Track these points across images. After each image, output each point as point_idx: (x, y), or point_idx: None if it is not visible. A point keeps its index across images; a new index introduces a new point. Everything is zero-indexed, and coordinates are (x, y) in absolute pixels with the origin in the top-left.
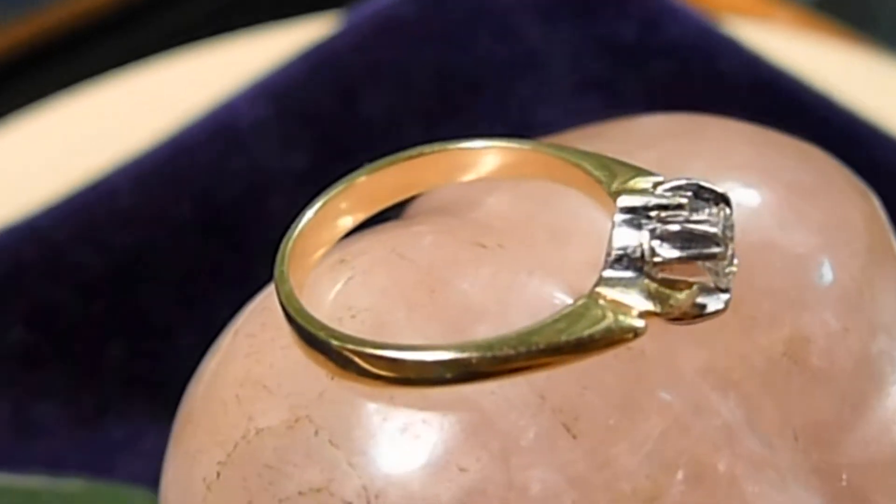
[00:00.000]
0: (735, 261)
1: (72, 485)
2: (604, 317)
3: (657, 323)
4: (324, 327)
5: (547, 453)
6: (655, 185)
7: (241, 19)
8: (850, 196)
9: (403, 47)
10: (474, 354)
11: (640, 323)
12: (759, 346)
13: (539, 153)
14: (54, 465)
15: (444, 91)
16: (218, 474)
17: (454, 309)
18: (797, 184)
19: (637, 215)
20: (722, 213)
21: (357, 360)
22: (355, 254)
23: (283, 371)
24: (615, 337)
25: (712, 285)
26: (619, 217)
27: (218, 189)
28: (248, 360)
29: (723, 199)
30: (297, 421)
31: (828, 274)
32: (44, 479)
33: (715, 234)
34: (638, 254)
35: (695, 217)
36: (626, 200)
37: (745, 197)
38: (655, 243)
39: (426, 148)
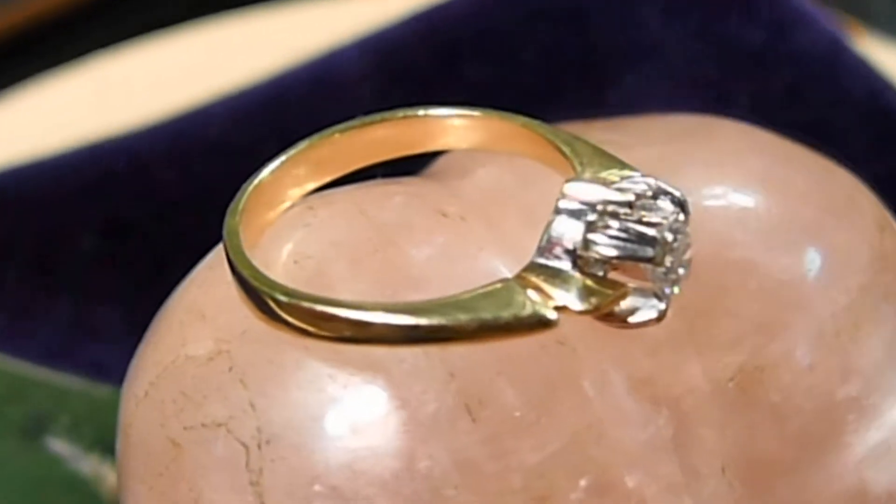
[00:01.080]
0: (681, 270)
1: (106, 392)
2: (520, 302)
3: (589, 321)
4: (249, 266)
5: (442, 431)
6: (621, 179)
7: None
8: (865, 228)
9: (517, 21)
10: (376, 317)
11: (552, 315)
12: (708, 368)
13: (525, 130)
14: (98, 370)
15: (549, 71)
16: (146, 393)
17: (394, 271)
18: (802, 204)
19: (583, 205)
20: (674, 218)
21: (270, 302)
22: (324, 203)
23: (221, 304)
24: (523, 325)
25: (650, 291)
26: (563, 204)
27: (308, 134)
28: (200, 289)
29: (679, 204)
30: (218, 354)
31: (806, 306)
32: (82, 382)
33: (654, 238)
34: (571, 245)
35: (644, 217)
36: (574, 189)
37: (736, 208)
38: (593, 236)
39: (416, 111)
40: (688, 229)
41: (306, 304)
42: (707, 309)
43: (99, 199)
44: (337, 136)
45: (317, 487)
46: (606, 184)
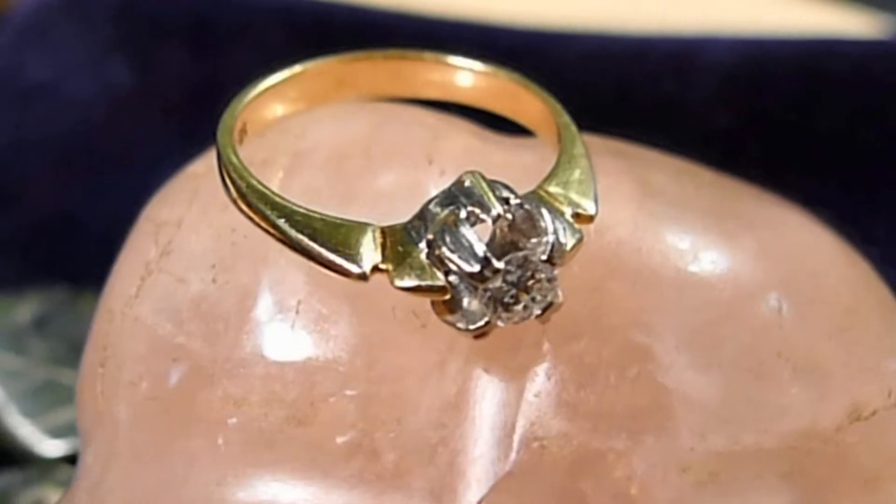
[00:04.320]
0: (520, 308)
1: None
2: (353, 244)
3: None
4: (226, 142)
5: (269, 320)
6: (525, 200)
7: None
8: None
9: None
10: (261, 209)
11: (361, 270)
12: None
13: (543, 107)
14: None
15: None
16: (164, 185)
17: (351, 178)
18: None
19: (466, 198)
20: (528, 255)
21: (221, 161)
22: (372, 105)
23: None
24: (335, 264)
25: (479, 302)
26: (452, 188)
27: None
28: None
29: (551, 252)
30: (202, 176)
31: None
32: None
33: (481, 257)
34: (433, 225)
35: (501, 239)
36: (466, 178)
37: (693, 292)
38: (447, 230)
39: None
40: (545, 275)
41: (231, 178)
42: (589, 373)
43: None
44: (337, 63)
45: (170, 305)
46: (499, 192)
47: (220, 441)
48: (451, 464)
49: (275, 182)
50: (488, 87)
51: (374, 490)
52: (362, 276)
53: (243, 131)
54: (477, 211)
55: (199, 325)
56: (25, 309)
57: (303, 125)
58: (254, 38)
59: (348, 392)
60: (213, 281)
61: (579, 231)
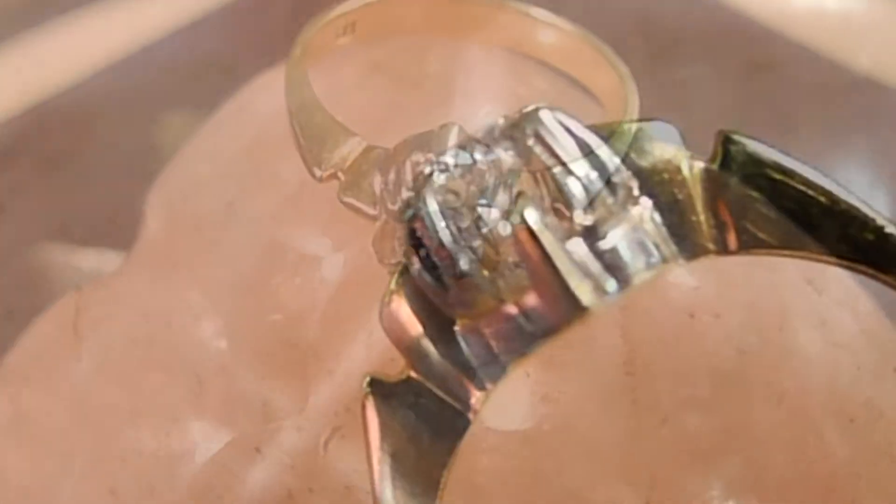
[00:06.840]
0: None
1: None
2: (330, 146)
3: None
4: (312, 26)
5: (275, 186)
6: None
7: None
8: None
9: None
10: (290, 83)
11: (324, 174)
12: None
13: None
14: None
15: None
16: None
17: (405, 105)
18: None
19: (435, 144)
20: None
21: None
22: (469, 51)
23: None
24: (305, 158)
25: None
26: (433, 130)
27: None
28: None
29: (502, 214)
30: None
31: None
32: None
33: (405, 200)
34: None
35: (472, 192)
36: (447, 128)
37: None
38: (399, 166)
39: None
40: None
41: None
42: None
43: None
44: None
45: (221, 151)
46: (471, 150)
47: (196, 282)
48: (348, 372)
49: (352, 79)
50: (569, 47)
51: (285, 361)
52: (319, 179)
53: (351, 27)
54: (433, 158)
55: (228, 174)
56: None
57: (411, 44)
58: None
59: (308, 261)
60: (257, 141)
61: None
